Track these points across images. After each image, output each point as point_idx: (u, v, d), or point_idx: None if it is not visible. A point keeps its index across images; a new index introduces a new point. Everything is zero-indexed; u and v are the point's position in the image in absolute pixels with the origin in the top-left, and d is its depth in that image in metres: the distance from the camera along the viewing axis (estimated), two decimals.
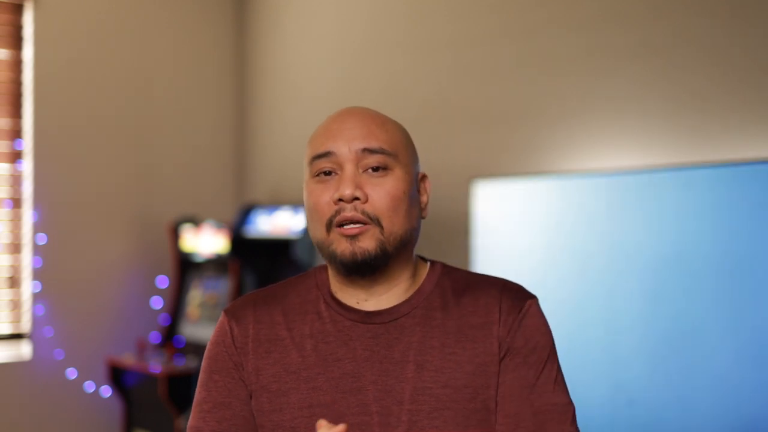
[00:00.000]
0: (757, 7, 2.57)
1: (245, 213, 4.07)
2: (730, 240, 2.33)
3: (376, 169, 1.21)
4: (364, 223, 1.19)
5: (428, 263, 1.32)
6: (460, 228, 3.09)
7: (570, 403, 1.23)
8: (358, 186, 1.20)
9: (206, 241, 4.18)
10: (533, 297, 1.28)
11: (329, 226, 1.21)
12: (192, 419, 1.27)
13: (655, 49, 2.81)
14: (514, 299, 1.26)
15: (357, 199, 1.19)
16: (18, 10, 4.12)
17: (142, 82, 4.45)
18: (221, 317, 1.31)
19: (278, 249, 3.93)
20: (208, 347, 1.30)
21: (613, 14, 2.94)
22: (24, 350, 4.11)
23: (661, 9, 2.81)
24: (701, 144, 2.66)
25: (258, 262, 4.04)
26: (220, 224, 4.15)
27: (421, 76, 3.68)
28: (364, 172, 1.21)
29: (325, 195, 1.21)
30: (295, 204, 3.94)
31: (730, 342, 2.31)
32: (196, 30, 4.65)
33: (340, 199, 1.19)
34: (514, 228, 2.91)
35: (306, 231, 3.60)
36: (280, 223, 3.89)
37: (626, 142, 2.88)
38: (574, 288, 2.69)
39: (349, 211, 1.19)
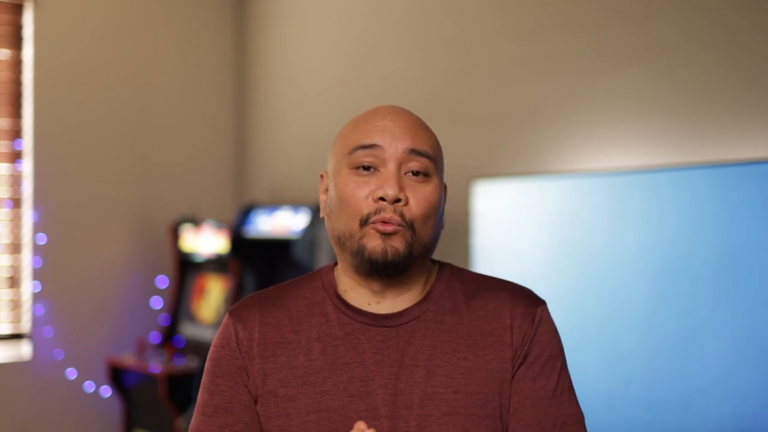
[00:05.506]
0: (757, 7, 2.57)
1: (245, 213, 4.07)
2: (730, 240, 2.33)
3: (416, 173, 1.21)
4: (400, 225, 1.18)
5: (436, 265, 1.31)
6: (460, 228, 3.09)
7: (581, 412, 1.25)
8: (401, 188, 1.19)
9: (206, 241, 4.18)
10: (543, 302, 1.28)
11: (364, 222, 1.19)
12: (194, 421, 1.26)
13: (655, 49, 2.81)
14: (526, 306, 1.25)
15: (398, 201, 1.18)
16: (18, 10, 4.12)
17: (142, 82, 4.45)
18: (225, 319, 1.29)
19: (278, 249, 3.93)
20: (211, 349, 1.29)
21: (614, 14, 2.94)
22: (24, 350, 4.11)
23: (661, 9, 2.81)
24: (701, 144, 2.66)
25: (258, 262, 4.04)
26: (220, 224, 4.15)
27: (421, 75, 3.68)
28: (405, 174, 1.20)
29: (364, 190, 1.20)
30: (295, 204, 3.94)
31: (731, 341, 2.31)
32: (196, 30, 4.65)
33: (382, 198, 1.18)
34: (514, 228, 2.91)
35: (306, 230, 3.62)
36: (280, 223, 3.89)
37: (626, 142, 2.88)
38: (574, 288, 2.69)
39: (388, 212, 1.18)
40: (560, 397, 1.23)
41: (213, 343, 1.29)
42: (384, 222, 1.18)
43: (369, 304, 1.24)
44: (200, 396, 1.27)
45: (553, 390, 1.23)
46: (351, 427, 1.17)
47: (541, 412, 1.21)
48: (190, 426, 1.27)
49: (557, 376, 1.24)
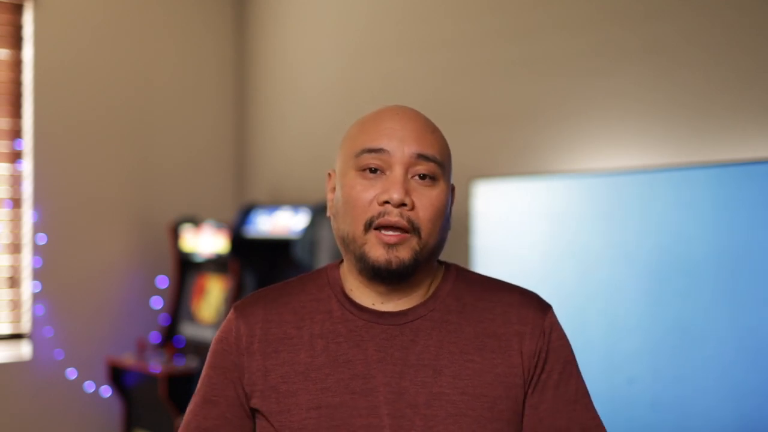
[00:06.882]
0: (757, 7, 2.57)
1: (245, 213, 4.07)
2: (730, 240, 2.33)
3: (423, 177, 1.19)
4: (405, 231, 1.17)
5: (443, 266, 1.31)
6: (460, 228, 3.10)
7: (599, 415, 1.27)
8: (407, 192, 1.18)
9: (206, 241, 4.18)
10: (550, 307, 1.28)
11: (368, 226, 1.18)
12: (187, 409, 1.29)
13: (655, 49, 2.81)
14: (536, 311, 1.25)
15: (404, 205, 1.17)
16: (18, 10, 4.12)
17: (142, 82, 4.45)
18: (230, 313, 1.30)
19: (278, 249, 3.93)
20: (213, 341, 1.30)
21: (614, 14, 2.94)
22: (24, 350, 4.11)
23: (661, 9, 2.81)
24: (701, 144, 2.66)
25: (258, 262, 4.04)
26: (220, 224, 4.15)
27: (421, 75, 3.68)
28: (411, 178, 1.19)
29: (369, 193, 1.18)
30: (295, 204, 3.94)
31: (730, 341, 2.31)
32: (196, 30, 4.65)
33: (387, 202, 1.17)
34: (514, 228, 2.91)
35: (306, 230, 3.62)
36: (280, 223, 3.89)
37: (626, 142, 2.88)
38: (574, 288, 2.69)
39: (394, 216, 1.17)
40: (583, 401, 1.25)
41: (215, 336, 1.30)
42: (388, 226, 1.17)
43: (374, 304, 1.24)
44: (197, 385, 1.30)
45: (575, 394, 1.24)
46: (351, 424, 1.18)
47: (569, 418, 1.23)
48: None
49: (575, 381, 1.25)
